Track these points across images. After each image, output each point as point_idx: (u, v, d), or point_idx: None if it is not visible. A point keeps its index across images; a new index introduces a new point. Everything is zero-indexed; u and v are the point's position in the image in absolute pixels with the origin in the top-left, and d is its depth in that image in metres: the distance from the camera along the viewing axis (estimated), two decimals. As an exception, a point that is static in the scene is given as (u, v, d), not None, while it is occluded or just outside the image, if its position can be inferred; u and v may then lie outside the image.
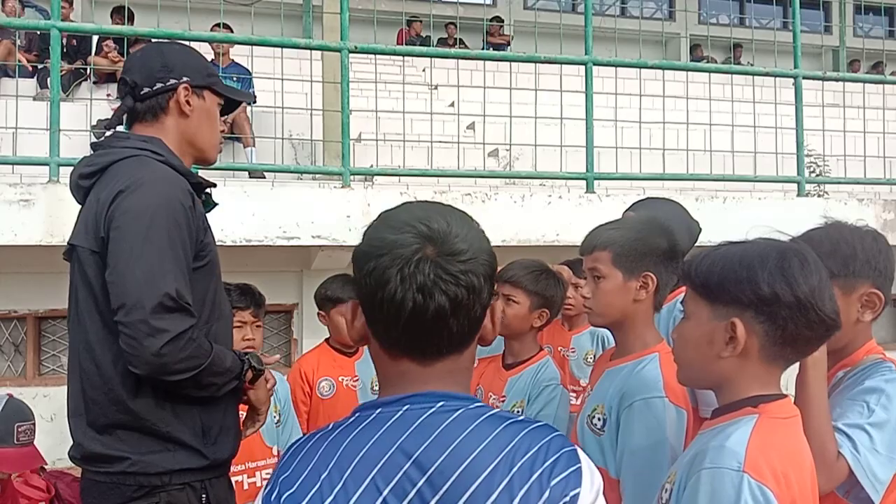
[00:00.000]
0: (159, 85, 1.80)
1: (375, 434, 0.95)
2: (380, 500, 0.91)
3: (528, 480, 0.91)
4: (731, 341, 1.27)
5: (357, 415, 1.00)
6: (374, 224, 1.02)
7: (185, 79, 1.82)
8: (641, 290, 1.73)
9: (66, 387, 1.78)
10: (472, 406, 0.98)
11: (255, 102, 2.11)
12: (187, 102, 1.82)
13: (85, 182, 1.76)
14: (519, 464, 0.92)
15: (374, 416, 0.98)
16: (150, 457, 1.66)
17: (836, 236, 1.61)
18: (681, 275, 1.42)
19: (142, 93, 1.81)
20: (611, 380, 1.75)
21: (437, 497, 0.91)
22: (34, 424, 2.32)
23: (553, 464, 0.92)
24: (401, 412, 0.97)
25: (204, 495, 1.70)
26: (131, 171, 1.68)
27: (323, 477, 0.94)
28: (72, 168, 1.85)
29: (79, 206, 1.81)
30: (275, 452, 2.63)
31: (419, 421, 0.95)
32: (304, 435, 1.03)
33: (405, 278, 0.94)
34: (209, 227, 1.80)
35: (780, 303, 1.24)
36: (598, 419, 1.71)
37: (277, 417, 2.68)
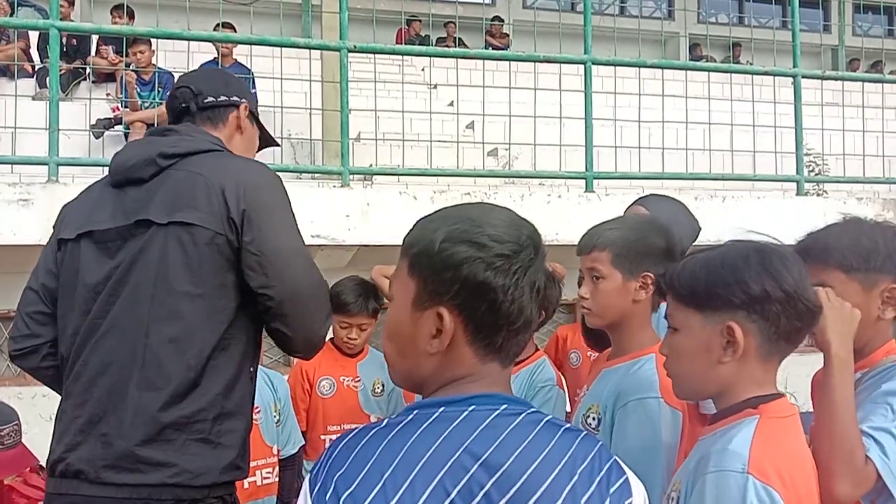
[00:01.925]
0: (223, 98, 1.87)
1: (441, 434, 0.93)
2: (447, 501, 0.90)
3: (588, 488, 0.92)
4: (729, 345, 1.27)
5: (415, 412, 0.97)
6: (469, 230, 0.97)
7: (244, 101, 1.91)
8: (641, 291, 1.72)
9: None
10: (531, 411, 0.98)
11: (279, 146, 2.20)
12: (245, 121, 1.91)
13: (164, 161, 1.68)
14: (579, 471, 0.93)
15: (437, 414, 0.96)
16: (196, 464, 1.53)
17: (856, 231, 1.58)
18: (664, 287, 1.41)
19: (205, 101, 1.85)
20: (606, 380, 1.74)
21: (504, 500, 0.90)
22: (18, 425, 2.25)
23: (608, 473, 0.94)
24: (466, 412, 0.95)
25: None
26: (239, 164, 1.73)
27: (386, 476, 0.91)
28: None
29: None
30: (274, 451, 2.64)
31: (486, 422, 0.95)
32: (349, 431, 1.00)
33: (531, 284, 0.97)
34: None
35: (770, 299, 1.25)
36: (593, 419, 1.71)
37: (277, 417, 2.68)
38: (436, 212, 1.03)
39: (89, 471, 1.51)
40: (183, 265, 1.57)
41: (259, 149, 2.06)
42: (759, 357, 1.29)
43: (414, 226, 1.03)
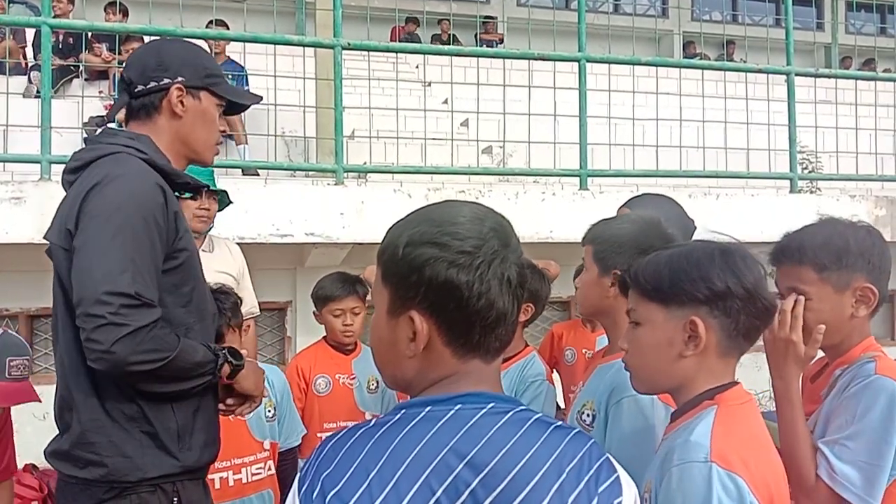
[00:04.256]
0: (152, 84, 1.78)
1: (427, 433, 0.94)
2: (433, 500, 0.90)
3: (576, 487, 0.92)
4: (691, 339, 1.31)
5: (403, 412, 0.98)
6: (430, 230, 0.97)
7: (179, 79, 1.79)
8: (613, 288, 1.71)
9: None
10: (519, 409, 0.98)
11: (259, 102, 2.04)
12: (180, 103, 1.79)
13: (70, 177, 1.74)
14: (567, 470, 0.93)
15: (423, 414, 0.96)
16: (120, 462, 1.63)
17: (829, 230, 1.61)
18: (628, 282, 1.42)
19: (136, 91, 1.79)
20: (601, 376, 1.75)
21: (490, 499, 0.90)
22: (28, 360, 2.30)
23: (597, 471, 0.94)
24: (453, 411, 0.95)
25: (175, 498, 1.68)
26: (106, 168, 1.67)
27: (372, 475, 0.91)
28: (63, 165, 1.84)
29: None
30: (266, 447, 2.61)
31: (472, 421, 0.95)
32: (339, 431, 1.00)
33: (499, 277, 0.96)
34: (187, 228, 1.77)
35: (732, 296, 1.29)
36: (588, 415, 1.71)
37: (272, 412, 2.67)
38: (403, 217, 1.03)
39: (52, 461, 1.72)
40: (59, 281, 1.69)
41: (235, 111, 1.95)
42: (719, 353, 1.32)
43: (386, 233, 1.04)
